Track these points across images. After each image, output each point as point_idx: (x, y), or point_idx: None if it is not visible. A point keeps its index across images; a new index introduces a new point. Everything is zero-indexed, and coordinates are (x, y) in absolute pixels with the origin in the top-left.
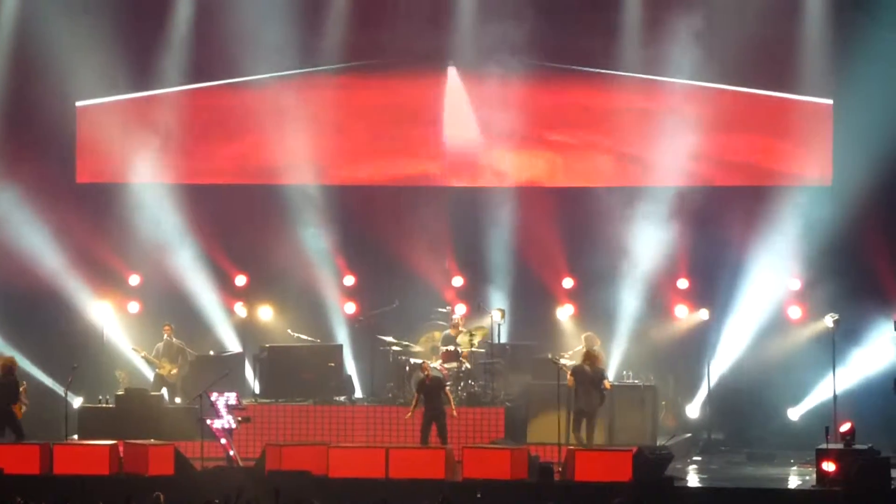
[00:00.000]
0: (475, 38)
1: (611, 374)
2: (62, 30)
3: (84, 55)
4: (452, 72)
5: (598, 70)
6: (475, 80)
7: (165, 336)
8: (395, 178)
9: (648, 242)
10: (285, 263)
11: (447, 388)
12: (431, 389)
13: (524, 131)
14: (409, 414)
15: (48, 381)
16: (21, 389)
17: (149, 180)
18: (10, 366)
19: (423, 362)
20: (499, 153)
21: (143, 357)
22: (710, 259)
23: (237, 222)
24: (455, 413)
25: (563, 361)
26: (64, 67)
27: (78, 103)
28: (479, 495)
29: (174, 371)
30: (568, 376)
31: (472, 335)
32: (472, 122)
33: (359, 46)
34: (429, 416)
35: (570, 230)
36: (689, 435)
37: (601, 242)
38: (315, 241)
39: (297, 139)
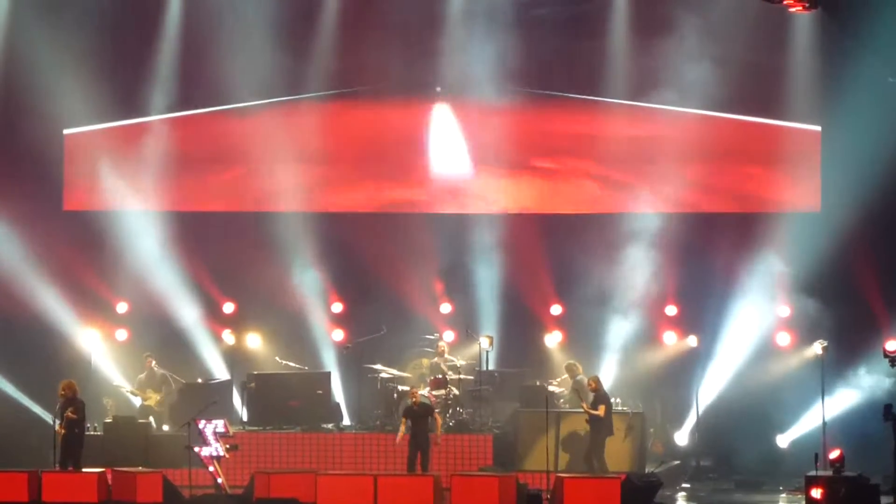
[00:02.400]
0: (463, 65)
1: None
2: (50, 58)
3: (72, 83)
4: (441, 99)
5: (586, 97)
6: (463, 107)
7: (148, 367)
8: (382, 204)
9: (636, 269)
10: (273, 291)
11: (436, 412)
12: (419, 416)
13: (512, 158)
14: (398, 439)
15: (36, 408)
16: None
17: (136, 208)
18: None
19: (412, 389)
20: (487, 180)
21: (127, 392)
22: (698, 286)
23: (225, 250)
24: (440, 441)
25: (552, 388)
26: (52, 95)
27: (66, 131)
28: None
29: (160, 399)
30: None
31: (457, 363)
32: (461, 148)
33: (346, 73)
34: (415, 444)
35: (558, 257)
36: (677, 462)
37: (589, 269)
38: (314, 282)
39: (285, 167)
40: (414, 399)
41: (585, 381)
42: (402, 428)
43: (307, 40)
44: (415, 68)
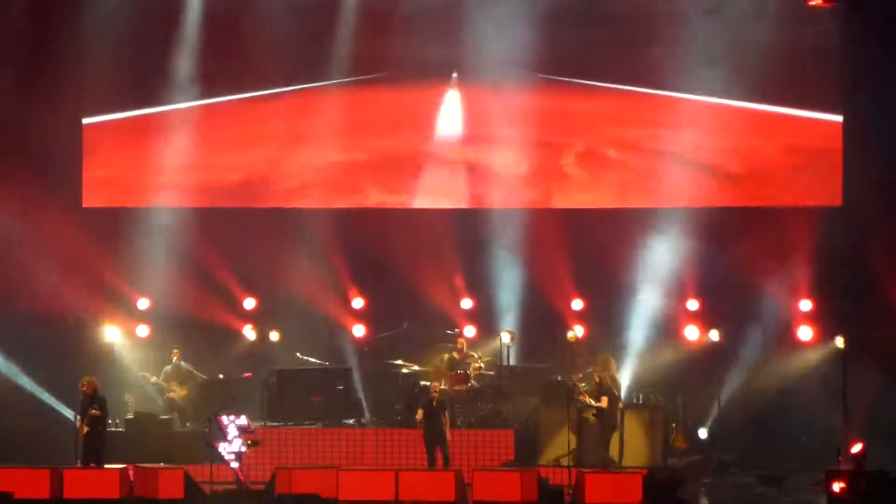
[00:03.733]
0: (483, 50)
1: (621, 396)
2: (68, 44)
3: (91, 70)
4: (458, 86)
5: (608, 85)
6: (484, 94)
7: (174, 360)
8: (400, 195)
9: (658, 263)
10: (294, 287)
11: (445, 413)
12: (435, 412)
13: (533, 153)
14: (418, 423)
15: (57, 405)
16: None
17: (157, 204)
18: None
19: (433, 384)
20: (508, 174)
21: (152, 382)
22: (720, 280)
23: (246, 245)
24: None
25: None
26: (69, 82)
27: (85, 120)
28: None
29: (184, 394)
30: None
31: (479, 358)
32: (482, 139)
33: (366, 60)
34: (431, 439)
35: (579, 251)
36: (699, 457)
37: (610, 263)
38: (334, 277)
39: (305, 157)
40: (435, 395)
41: (617, 377)
42: (420, 417)
43: (329, 27)
44: (433, 53)
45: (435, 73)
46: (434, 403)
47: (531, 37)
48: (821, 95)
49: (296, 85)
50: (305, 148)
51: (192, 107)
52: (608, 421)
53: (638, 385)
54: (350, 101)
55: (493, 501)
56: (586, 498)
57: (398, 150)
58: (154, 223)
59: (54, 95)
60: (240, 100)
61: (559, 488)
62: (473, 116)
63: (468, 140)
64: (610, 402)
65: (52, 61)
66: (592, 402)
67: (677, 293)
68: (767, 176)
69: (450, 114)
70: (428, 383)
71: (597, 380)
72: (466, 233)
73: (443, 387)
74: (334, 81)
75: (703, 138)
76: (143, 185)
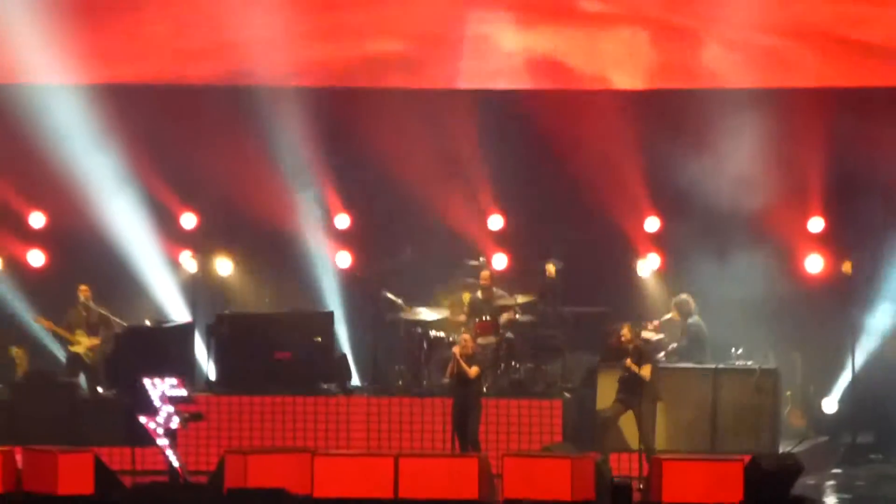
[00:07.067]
0: None
1: (715, 353)
2: None
3: None
4: None
5: None
6: None
7: (81, 300)
8: (399, 68)
9: (766, 165)
10: (251, 196)
11: (480, 375)
12: (464, 373)
13: (584, 13)
14: (446, 377)
15: None
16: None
17: (56, 80)
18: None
19: (463, 335)
20: (548, 41)
21: (49, 330)
22: (856, 188)
23: (182, 139)
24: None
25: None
26: None
27: None
28: None
29: (94, 346)
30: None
31: (513, 300)
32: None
33: None
34: (460, 409)
35: (652, 150)
36: (825, 438)
37: (698, 166)
38: (309, 184)
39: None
40: (464, 347)
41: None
42: (453, 366)
43: None
44: None
45: None
46: (462, 361)
47: None
48: None
49: None
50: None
51: None
52: (650, 396)
53: (737, 338)
54: None
55: (533, 500)
56: (664, 495)
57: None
58: (51, 106)
59: None
60: None
61: (625, 481)
62: None
63: None
64: (653, 372)
65: None
66: (637, 370)
67: (795, 207)
68: None
69: None
70: (442, 334)
71: (626, 340)
72: (494, 123)
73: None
74: None
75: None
76: (36, 55)
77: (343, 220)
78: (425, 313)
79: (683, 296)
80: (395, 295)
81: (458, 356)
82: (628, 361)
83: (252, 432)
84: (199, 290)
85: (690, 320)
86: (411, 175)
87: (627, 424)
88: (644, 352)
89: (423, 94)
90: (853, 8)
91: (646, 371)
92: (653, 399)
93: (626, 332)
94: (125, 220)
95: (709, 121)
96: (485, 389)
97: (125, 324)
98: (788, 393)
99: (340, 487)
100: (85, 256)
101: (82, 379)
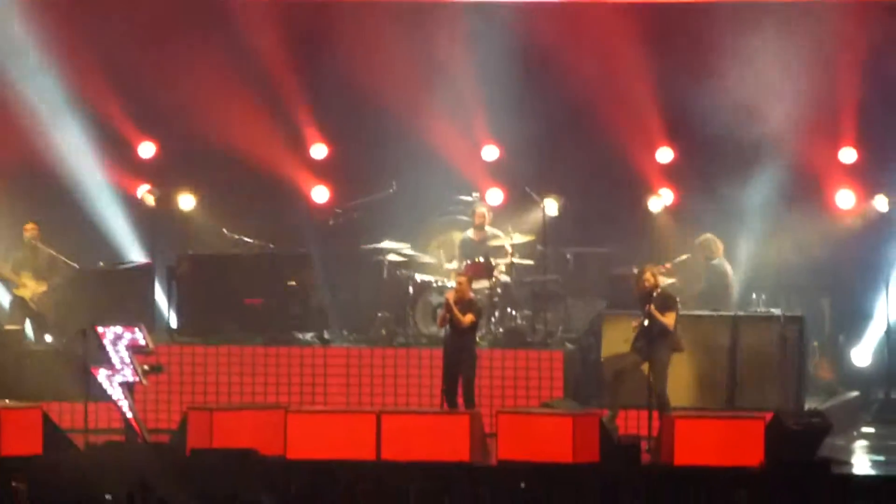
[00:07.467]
0: None
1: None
2: None
3: None
4: None
5: None
6: None
7: (27, 239)
8: None
9: (792, 88)
10: (217, 121)
11: (477, 321)
12: (458, 321)
13: None
14: (437, 326)
15: None
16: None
17: None
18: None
19: (458, 277)
20: None
21: None
22: (893, 115)
23: (139, 59)
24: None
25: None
26: None
27: None
28: (522, 485)
29: (42, 291)
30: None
31: (510, 237)
32: None
33: None
34: (453, 363)
35: (665, 70)
36: (855, 394)
37: (715, 89)
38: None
39: None
40: (459, 291)
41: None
42: (445, 313)
43: None
44: None
45: None
46: (457, 306)
47: None
48: None
49: None
50: None
51: None
52: (668, 347)
53: (759, 283)
54: None
55: (530, 462)
56: (675, 457)
57: None
58: None
59: None
60: None
61: (633, 441)
62: None
63: None
64: (676, 321)
65: None
66: (660, 318)
67: (824, 136)
68: None
69: None
70: (431, 278)
71: (650, 285)
72: (487, 38)
73: (450, 283)
74: None
75: None
76: None
77: (320, 150)
78: (411, 253)
79: (708, 235)
80: (376, 234)
81: (452, 302)
82: (651, 307)
83: (218, 386)
84: (158, 227)
85: (715, 261)
86: (395, 100)
87: (636, 378)
88: (668, 297)
89: (407, 5)
90: None
91: (669, 319)
92: (671, 350)
93: (649, 275)
94: (75, 149)
95: (729, 37)
96: (479, 340)
97: (76, 265)
98: (815, 343)
99: (316, 448)
100: (31, 191)
101: (28, 326)
